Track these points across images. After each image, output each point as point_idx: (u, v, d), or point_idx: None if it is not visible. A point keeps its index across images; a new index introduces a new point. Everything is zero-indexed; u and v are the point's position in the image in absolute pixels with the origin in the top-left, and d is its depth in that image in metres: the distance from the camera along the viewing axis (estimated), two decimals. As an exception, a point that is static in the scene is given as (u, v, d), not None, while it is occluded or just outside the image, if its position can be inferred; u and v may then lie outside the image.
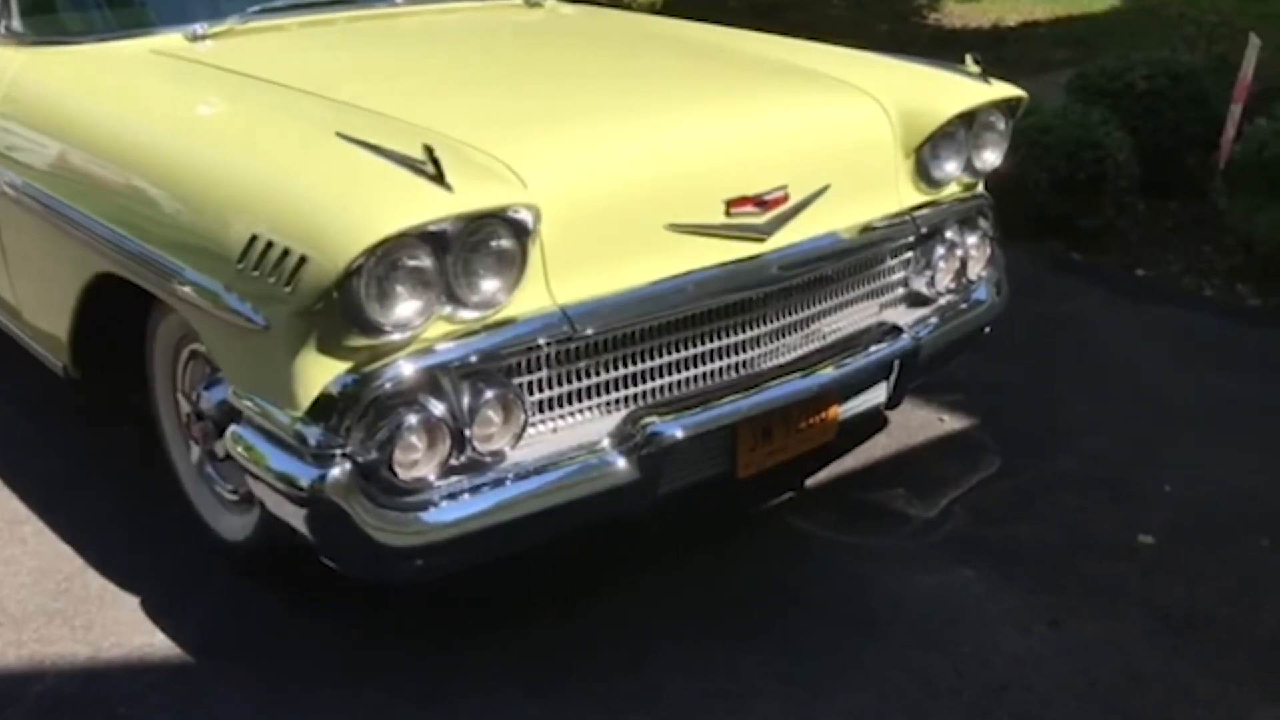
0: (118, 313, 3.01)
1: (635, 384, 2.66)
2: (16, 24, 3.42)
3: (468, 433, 2.38)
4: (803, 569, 3.05)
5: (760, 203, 2.73)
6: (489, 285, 2.36)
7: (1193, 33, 7.19)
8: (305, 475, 2.32)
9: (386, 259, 2.21)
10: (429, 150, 2.26)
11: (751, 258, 2.73)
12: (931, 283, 3.22)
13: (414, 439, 2.33)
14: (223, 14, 3.36)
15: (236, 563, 2.96)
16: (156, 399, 3.10)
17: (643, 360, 2.65)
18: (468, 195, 2.25)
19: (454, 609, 2.86)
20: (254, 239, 2.32)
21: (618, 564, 3.03)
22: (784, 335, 2.88)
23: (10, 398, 3.88)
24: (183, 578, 2.99)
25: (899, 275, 3.20)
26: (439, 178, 2.23)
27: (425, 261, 2.26)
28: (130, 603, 2.91)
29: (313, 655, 2.75)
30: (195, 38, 3.28)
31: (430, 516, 2.36)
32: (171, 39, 3.28)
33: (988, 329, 3.40)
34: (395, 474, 2.33)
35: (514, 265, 2.38)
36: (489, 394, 2.40)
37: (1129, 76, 5.98)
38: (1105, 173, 5.30)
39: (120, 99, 2.97)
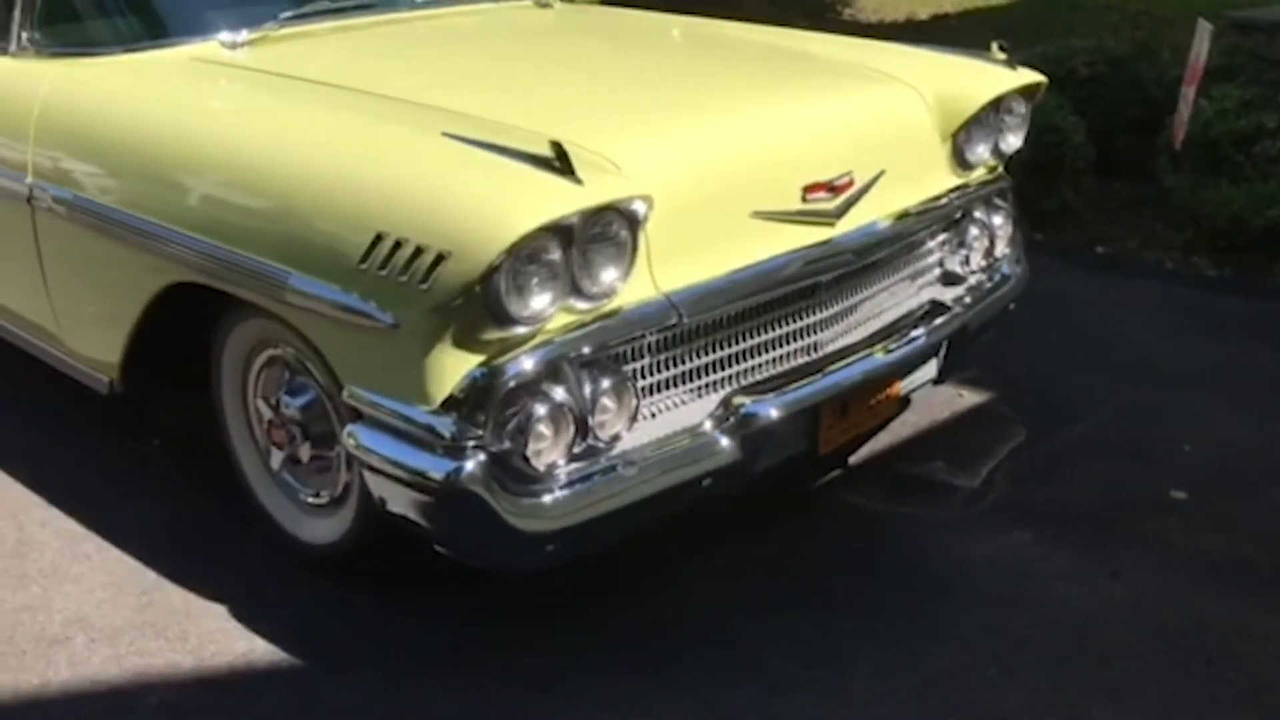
0: (180, 324, 3.01)
1: (724, 367, 2.76)
2: (37, 35, 3.38)
3: (590, 420, 2.45)
4: (867, 541, 3.18)
5: (831, 188, 2.85)
6: (608, 275, 2.44)
7: (1116, 20, 7.52)
8: (440, 468, 2.37)
9: (525, 253, 2.27)
10: (557, 146, 2.32)
11: (825, 241, 2.85)
12: (966, 261, 3.38)
13: (543, 428, 2.39)
14: (253, 22, 3.36)
15: (323, 565, 2.97)
16: (223, 407, 3.09)
17: (731, 344, 2.75)
18: (596, 188, 2.32)
19: (540, 595, 2.91)
20: (379, 239, 2.35)
21: (684, 549, 3.11)
22: (848, 315, 3.01)
23: (30, 421, 3.81)
24: (265, 584, 2.99)
25: (936, 255, 3.35)
26: (570, 172, 2.30)
27: (555, 254, 2.33)
28: (218, 611, 2.91)
29: (417, 647, 2.78)
30: (232, 45, 3.28)
31: (562, 502, 2.42)
32: (207, 47, 3.28)
33: (1013, 305, 3.57)
34: (528, 462, 2.39)
35: (627, 255, 2.46)
36: (605, 381, 2.47)
37: (1071, 63, 6.25)
38: (1064, 155, 5.55)
39: (183, 106, 2.97)
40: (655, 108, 2.84)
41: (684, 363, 2.68)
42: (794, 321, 2.86)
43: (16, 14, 3.38)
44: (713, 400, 2.72)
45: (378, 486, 2.53)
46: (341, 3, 3.56)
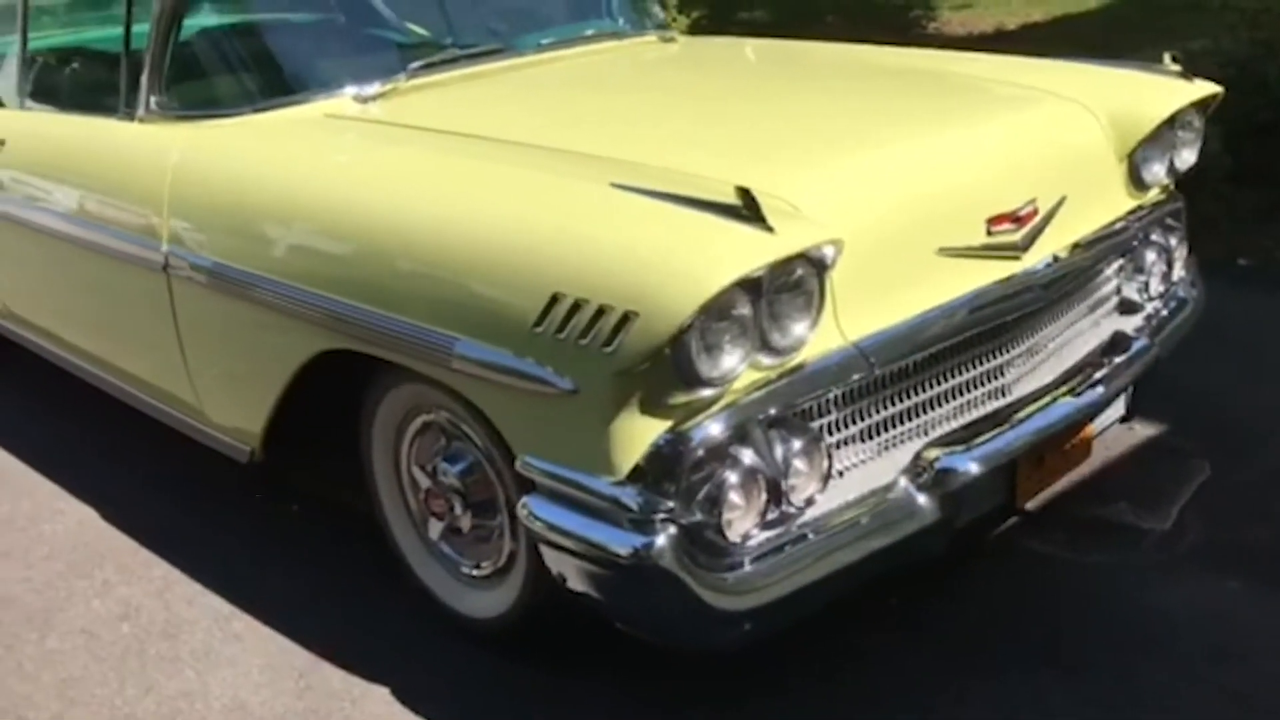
0: (326, 390, 2.89)
1: (911, 418, 2.57)
2: (165, 99, 3.30)
3: (783, 484, 2.28)
4: (1059, 592, 2.96)
5: (1016, 219, 2.66)
6: (797, 327, 2.27)
7: (1235, 20, 7.21)
8: (627, 543, 2.21)
9: (715, 310, 2.11)
10: (745, 192, 2.16)
11: (1013, 276, 2.65)
12: (1145, 288, 3.16)
13: (736, 496, 2.22)
14: (382, 74, 3.25)
15: (486, 640, 2.82)
16: (374, 476, 2.96)
17: (917, 392, 2.56)
18: (787, 236, 2.15)
19: (727, 665, 2.72)
20: (555, 300, 2.20)
21: (862, 608, 2.91)
22: (1034, 354, 2.80)
23: (164, 493, 3.72)
24: (426, 661, 2.85)
25: (1113, 284, 3.13)
26: (760, 220, 2.14)
27: (745, 309, 2.17)
28: (380, 694, 2.76)
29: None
30: (363, 100, 3.17)
31: (759, 575, 2.25)
32: (338, 103, 3.17)
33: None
34: (722, 534, 2.22)
35: (815, 304, 2.28)
36: (796, 441, 2.30)
37: (1194, 67, 5.96)
38: (1204, 164, 5.27)
39: (326, 165, 2.86)
40: (825, 143, 2.66)
41: (870, 415, 2.50)
42: (981, 365, 2.66)
43: (144, 79, 3.31)
44: (902, 455, 2.53)
45: (556, 562, 2.37)
46: (469, 50, 3.44)
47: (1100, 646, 2.76)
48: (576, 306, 2.18)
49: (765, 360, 2.25)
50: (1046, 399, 2.73)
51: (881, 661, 2.74)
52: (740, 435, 2.24)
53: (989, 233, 2.61)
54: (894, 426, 2.54)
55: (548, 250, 2.26)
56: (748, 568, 2.24)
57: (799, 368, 2.31)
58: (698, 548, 2.22)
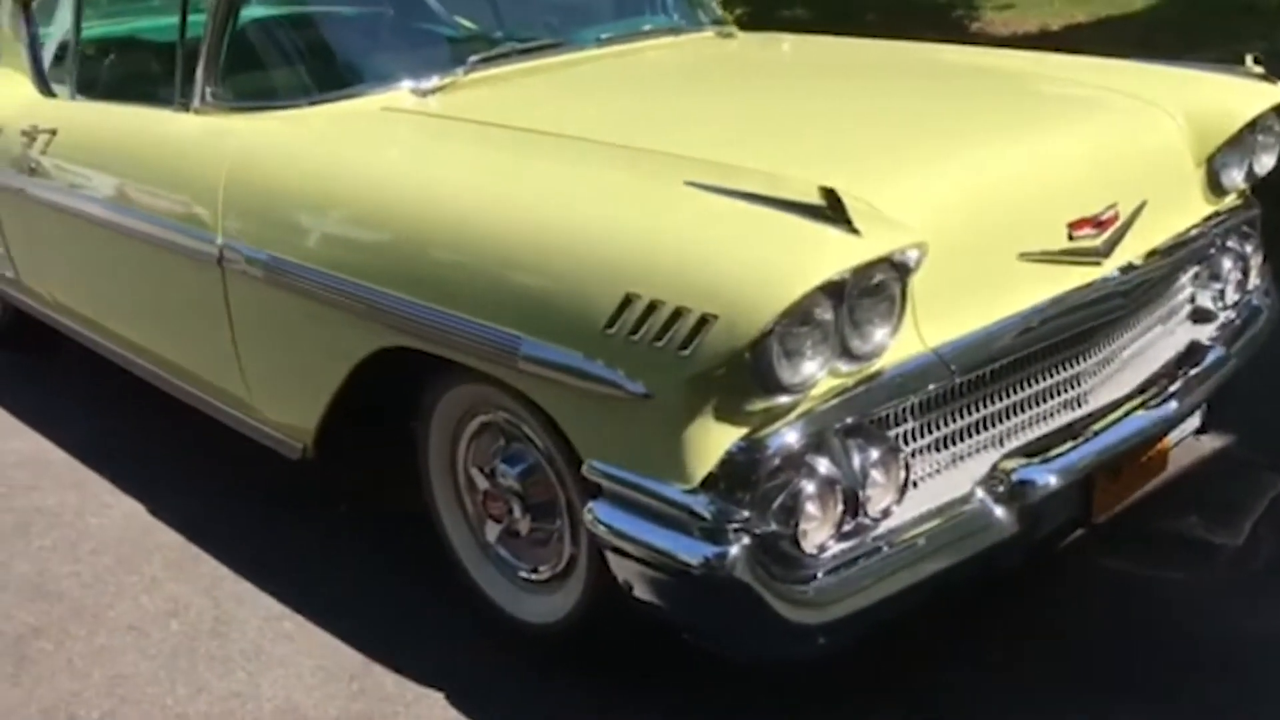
0: (382, 389, 2.84)
1: (986, 428, 2.49)
2: (220, 91, 3.26)
3: (860, 494, 2.20)
4: (1133, 612, 2.87)
5: (1097, 223, 2.58)
6: (878, 333, 2.19)
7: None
8: (699, 553, 2.14)
9: (798, 314, 2.04)
10: (830, 193, 2.08)
11: (1094, 282, 2.57)
12: (1220, 296, 3.07)
13: (812, 506, 2.15)
14: (441, 67, 3.20)
15: (542, 645, 2.76)
16: (429, 477, 2.90)
17: (993, 401, 2.48)
18: (873, 239, 2.08)
19: (784, 676, 2.65)
20: (629, 301, 2.14)
21: (931, 625, 2.83)
22: (1109, 364, 2.72)
23: (211, 489, 3.69)
24: (480, 666, 2.79)
25: (1188, 291, 3.04)
26: (845, 221, 2.06)
27: (827, 314, 2.10)
28: (435, 699, 2.71)
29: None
30: (422, 94, 3.12)
31: (835, 587, 2.18)
32: (396, 96, 3.12)
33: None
34: (798, 545, 2.15)
35: (897, 309, 2.21)
36: (873, 451, 2.23)
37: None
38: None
39: (388, 160, 2.80)
40: (904, 143, 2.58)
41: (945, 425, 2.42)
42: (1057, 374, 2.58)
43: (199, 70, 3.27)
44: (976, 466, 2.45)
45: (622, 569, 2.31)
46: (527, 44, 3.37)
47: (1182, 671, 2.66)
48: (652, 308, 2.11)
49: (844, 367, 2.18)
50: (1124, 410, 2.65)
51: (940, 683, 2.66)
52: (817, 444, 2.17)
53: (1070, 237, 2.53)
54: (969, 437, 2.46)
55: (621, 250, 2.20)
56: (823, 580, 2.17)
57: (877, 374, 2.24)
58: (771, 559, 2.15)
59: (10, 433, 4.18)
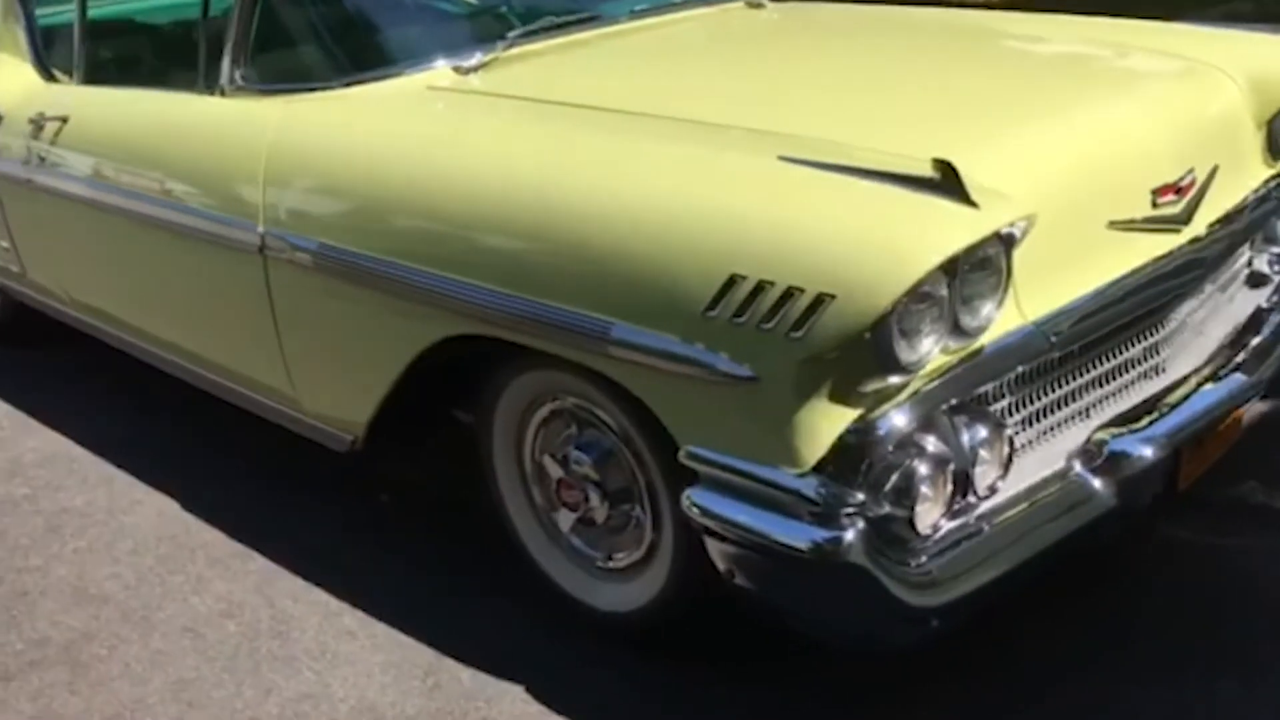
0: (440, 377, 2.77)
1: (1075, 400, 2.46)
2: (251, 73, 3.15)
3: (970, 473, 2.16)
4: (1208, 582, 2.83)
5: (1178, 189, 2.55)
6: (985, 308, 2.15)
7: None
8: (811, 537, 2.09)
9: (918, 291, 1.99)
10: (944, 165, 2.03)
11: (1176, 249, 2.54)
12: (1276, 260, 3.06)
13: (926, 487, 2.11)
14: (479, 44, 3.11)
15: (620, 634, 2.70)
16: (494, 465, 2.84)
17: (1083, 373, 2.45)
18: (991, 212, 2.03)
19: (871, 664, 2.61)
20: (733, 282, 2.08)
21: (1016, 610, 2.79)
22: (1183, 332, 2.69)
23: (251, 484, 3.60)
24: (554, 657, 2.73)
25: (1245, 256, 3.03)
26: (962, 194, 2.01)
27: (943, 289, 2.05)
28: (515, 693, 2.65)
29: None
30: (465, 71, 3.03)
31: (949, 568, 2.14)
32: (439, 74, 3.02)
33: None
34: (913, 526, 2.11)
35: (1002, 283, 2.17)
36: (980, 428, 2.19)
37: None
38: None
39: (444, 140, 2.70)
40: (982, 114, 2.53)
41: (1038, 398, 2.38)
42: (1140, 342, 2.55)
43: (227, 51, 3.15)
44: (1068, 440, 2.42)
45: (723, 557, 2.26)
46: (565, 18, 3.28)
47: (1268, 639, 2.64)
48: (759, 289, 2.05)
49: (953, 344, 2.13)
50: (1203, 378, 2.62)
51: (1028, 662, 2.62)
52: (927, 423, 2.13)
53: (1154, 205, 2.50)
54: (1058, 410, 2.43)
55: (723, 229, 2.13)
56: (939, 560, 2.13)
57: (979, 350, 2.20)
58: (885, 541, 2.10)
59: (24, 431, 4.06)
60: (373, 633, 2.89)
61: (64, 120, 3.68)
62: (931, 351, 2.08)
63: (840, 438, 2.06)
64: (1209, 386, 2.58)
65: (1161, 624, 2.71)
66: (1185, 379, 2.62)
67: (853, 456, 2.07)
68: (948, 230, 1.98)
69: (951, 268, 2.03)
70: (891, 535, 2.11)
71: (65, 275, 3.94)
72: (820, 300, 1.99)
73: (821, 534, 2.08)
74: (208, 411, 3.78)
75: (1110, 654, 2.62)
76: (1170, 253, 2.53)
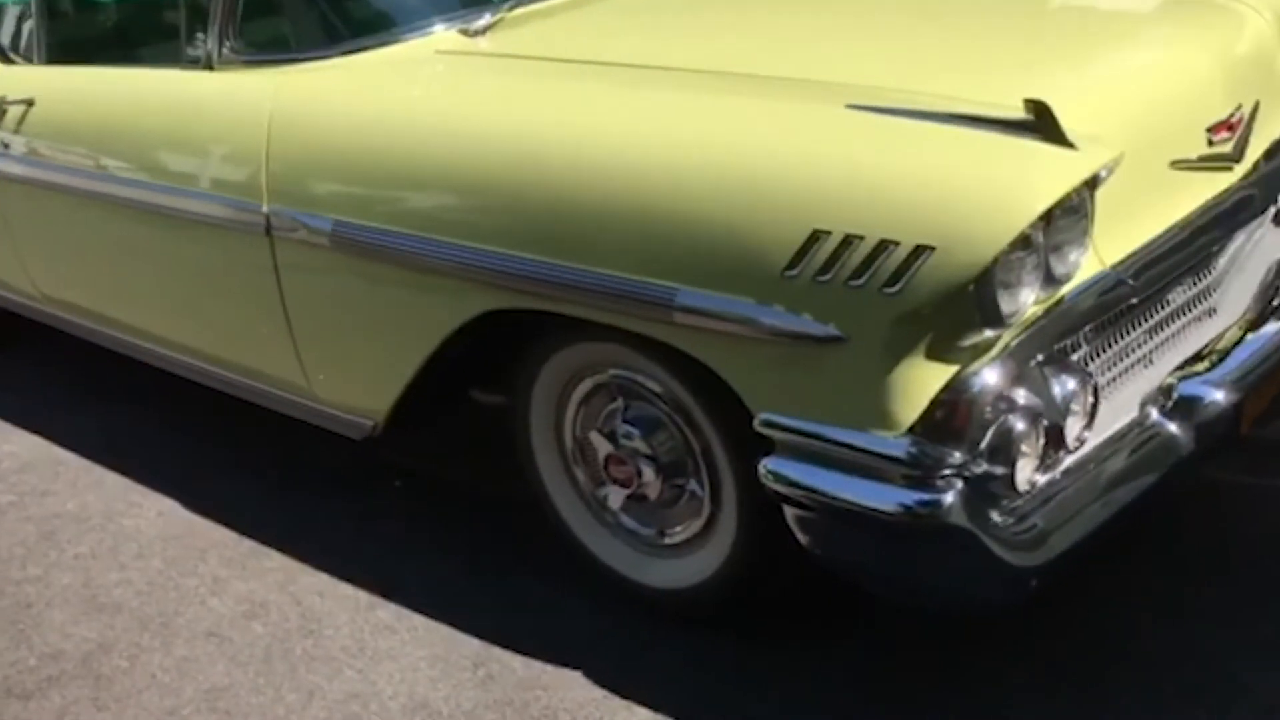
0: (469, 355, 2.65)
1: (1141, 345, 2.40)
2: (241, 44, 2.98)
3: (1062, 426, 2.09)
4: (1259, 523, 2.82)
5: (1229, 127, 2.49)
6: (1074, 254, 2.08)
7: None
8: (907, 501, 2.01)
9: (1021, 239, 1.91)
10: (1038, 106, 1.94)
11: (1230, 187, 2.49)
12: (1302, 196, 3.03)
13: (1024, 443, 2.03)
14: (483, 4, 2.96)
15: (674, 612, 2.61)
16: (531, 444, 2.72)
17: (1149, 317, 2.40)
18: (1090, 154, 1.95)
19: (922, 630, 2.54)
20: (815, 238, 1.98)
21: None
22: (1233, 271, 2.65)
23: (256, 476, 3.44)
24: (610, 639, 2.63)
25: (1273, 193, 2.99)
26: (1061, 137, 1.93)
27: (1040, 236, 1.97)
28: (575, 679, 2.54)
29: (832, 699, 2.42)
30: (472, 33, 2.88)
31: (1050, 524, 2.07)
32: (444, 38, 2.88)
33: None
34: (1012, 484, 2.03)
35: (1086, 228, 2.09)
36: (1068, 379, 2.12)
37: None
38: None
39: (476, 107, 2.56)
40: (1043, 56, 2.44)
41: (1111, 345, 2.32)
42: (1198, 283, 2.51)
43: (215, 21, 2.98)
44: (1137, 387, 2.36)
45: (807, 527, 2.17)
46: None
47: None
48: (846, 244, 1.95)
49: (1043, 293, 2.06)
50: (1251, 319, 2.59)
51: (1104, 612, 2.58)
52: (1018, 376, 2.05)
53: (1210, 143, 2.44)
54: (1127, 356, 2.37)
55: (798, 183, 2.02)
56: (1037, 518, 2.06)
57: (1062, 300, 2.13)
58: (984, 501, 2.03)
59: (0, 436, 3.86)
60: (411, 625, 2.77)
61: (29, 103, 3.47)
62: (1028, 302, 2.00)
63: (935, 396, 1.98)
64: (1270, 326, 2.54)
65: (1209, 564, 2.67)
66: (1240, 318, 2.58)
67: (949, 415, 1.99)
68: (1052, 174, 1.90)
69: (1047, 213, 1.95)
70: (990, 494, 2.04)
71: (36, 270, 3.73)
72: (918, 253, 1.90)
73: (919, 497, 2.00)
74: (192, 403, 3.63)
75: (1164, 600, 2.58)
76: (1226, 190, 2.48)
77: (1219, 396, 2.34)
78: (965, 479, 2.01)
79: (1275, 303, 2.65)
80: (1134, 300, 2.26)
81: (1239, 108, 2.54)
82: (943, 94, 2.14)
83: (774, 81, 2.34)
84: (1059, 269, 2.05)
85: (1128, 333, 2.35)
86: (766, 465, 2.16)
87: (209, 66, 3.01)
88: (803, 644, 2.55)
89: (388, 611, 2.82)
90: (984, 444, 2.01)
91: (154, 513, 3.33)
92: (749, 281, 2.07)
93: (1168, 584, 2.62)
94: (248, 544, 3.14)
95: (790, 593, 2.56)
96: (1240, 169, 2.54)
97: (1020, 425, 2.02)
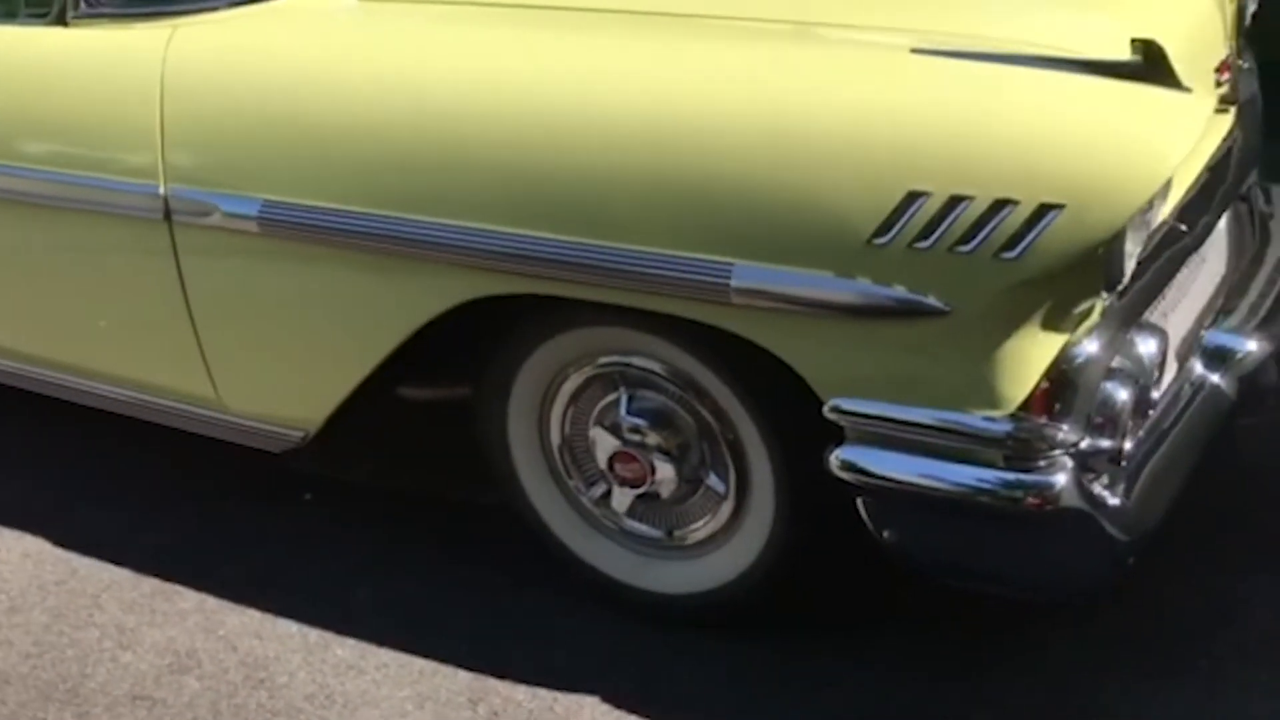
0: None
1: (1165, 297, 2.31)
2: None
3: (1154, 392, 1.97)
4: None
5: (1225, 68, 2.43)
6: (1162, 207, 1.94)
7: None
8: (1015, 485, 1.84)
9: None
10: (1150, 46, 1.78)
11: (1232, 129, 2.42)
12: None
13: (1128, 415, 1.89)
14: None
15: (685, 620, 2.37)
16: (509, 445, 2.41)
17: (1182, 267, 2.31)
18: (1201, 96, 1.81)
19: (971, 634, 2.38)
20: (911, 199, 1.76)
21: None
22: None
23: (102, 498, 2.97)
24: (616, 656, 2.36)
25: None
26: (1174, 80, 1.77)
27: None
28: (591, 704, 2.26)
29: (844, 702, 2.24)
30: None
31: (1151, 496, 1.95)
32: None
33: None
34: (1119, 458, 1.89)
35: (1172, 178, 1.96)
36: (1151, 339, 2.00)
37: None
38: None
39: (450, 62, 2.17)
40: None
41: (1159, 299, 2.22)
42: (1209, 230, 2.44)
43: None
44: (1174, 337, 2.27)
45: (891, 520, 1.97)
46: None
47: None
48: (952, 204, 1.75)
49: (1142, 251, 1.91)
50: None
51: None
52: (1115, 344, 1.91)
53: (1218, 84, 2.37)
54: (1156, 308, 2.28)
55: (888, 138, 1.79)
56: (1134, 490, 1.93)
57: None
58: (1091, 478, 1.88)
59: None
60: (380, 662, 2.42)
61: None
62: (1134, 261, 1.85)
63: (1065, 371, 1.81)
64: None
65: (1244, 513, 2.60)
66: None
67: (1060, 389, 1.83)
68: (1182, 121, 1.75)
69: (1169, 165, 1.80)
70: (1095, 471, 1.89)
71: None
72: (1042, 213, 1.71)
73: (1030, 479, 1.84)
74: (47, 417, 3.10)
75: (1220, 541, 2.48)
76: (1231, 131, 2.41)
77: (1253, 347, 2.29)
78: (1073, 456, 1.85)
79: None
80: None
81: (1229, 50, 2.47)
82: (996, 36, 1.95)
83: (807, 28, 2.08)
84: (1153, 223, 1.92)
85: (1165, 285, 2.25)
86: (839, 455, 1.94)
87: (61, 21, 2.52)
88: (849, 645, 2.34)
89: (346, 649, 2.46)
90: (1093, 418, 1.86)
91: (18, 554, 2.82)
92: (825, 253, 1.83)
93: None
94: (150, 583, 2.68)
95: (814, 593, 2.36)
96: (1234, 111, 2.48)
97: (1124, 394, 1.88)
